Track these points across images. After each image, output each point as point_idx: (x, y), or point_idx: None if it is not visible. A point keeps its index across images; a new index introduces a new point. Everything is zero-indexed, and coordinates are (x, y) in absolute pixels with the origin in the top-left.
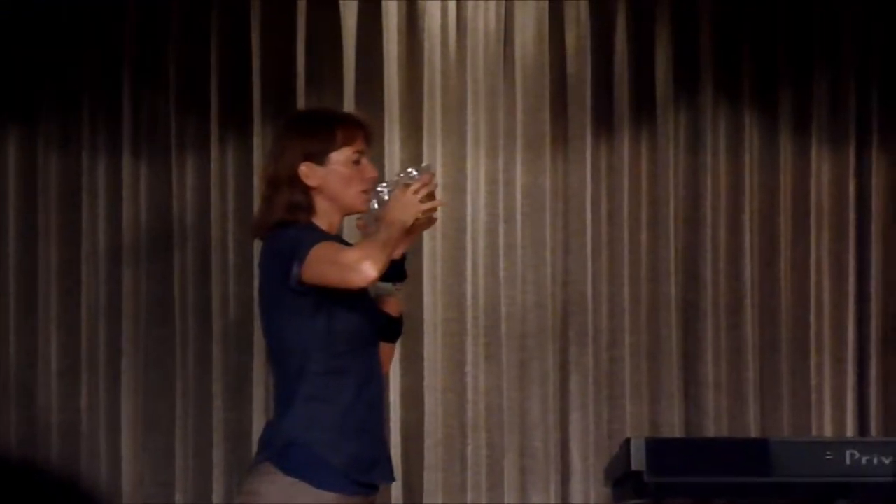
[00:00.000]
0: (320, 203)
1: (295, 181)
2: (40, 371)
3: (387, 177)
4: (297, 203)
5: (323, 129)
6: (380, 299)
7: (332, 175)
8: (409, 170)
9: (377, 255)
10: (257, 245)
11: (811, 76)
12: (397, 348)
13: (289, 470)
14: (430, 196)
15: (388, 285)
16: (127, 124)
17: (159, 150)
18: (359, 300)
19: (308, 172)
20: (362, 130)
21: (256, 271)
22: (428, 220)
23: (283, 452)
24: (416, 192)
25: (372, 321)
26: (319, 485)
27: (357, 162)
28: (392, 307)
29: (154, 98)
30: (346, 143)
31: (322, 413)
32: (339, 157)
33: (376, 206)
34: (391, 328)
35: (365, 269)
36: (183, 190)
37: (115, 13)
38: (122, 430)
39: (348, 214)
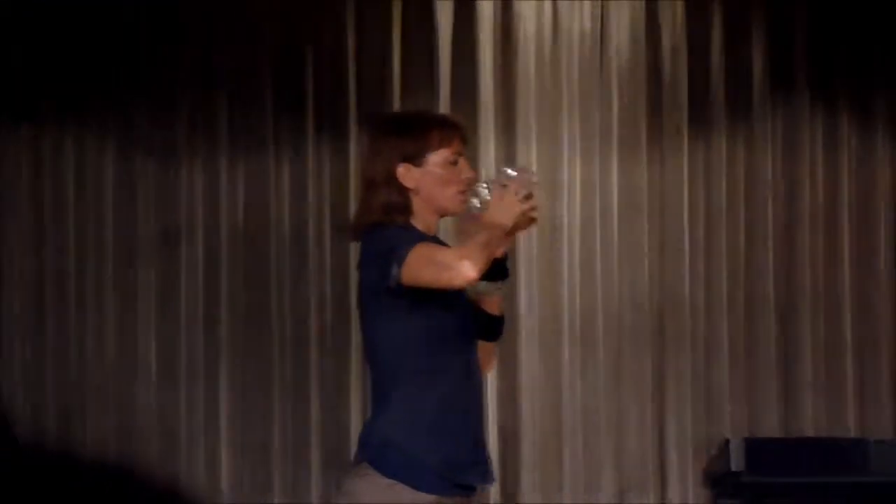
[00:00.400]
0: (417, 204)
1: (392, 182)
2: (139, 375)
3: (482, 178)
4: (394, 204)
5: (420, 130)
6: (480, 298)
7: (429, 176)
8: (507, 169)
9: (476, 256)
10: (354, 246)
11: None
12: None
13: (386, 471)
14: (529, 196)
15: (488, 284)
16: (224, 128)
17: (256, 153)
18: (455, 301)
19: (405, 174)
20: (458, 132)
21: (355, 273)
22: (528, 220)
23: (380, 453)
24: (515, 192)
25: (468, 322)
26: (417, 486)
27: (454, 163)
28: (492, 306)
29: (250, 103)
30: (443, 145)
31: (418, 413)
32: (437, 159)
33: (478, 204)
34: (492, 327)
35: (464, 268)
36: (280, 193)
37: (211, 19)
38: (221, 432)
39: (444, 216)
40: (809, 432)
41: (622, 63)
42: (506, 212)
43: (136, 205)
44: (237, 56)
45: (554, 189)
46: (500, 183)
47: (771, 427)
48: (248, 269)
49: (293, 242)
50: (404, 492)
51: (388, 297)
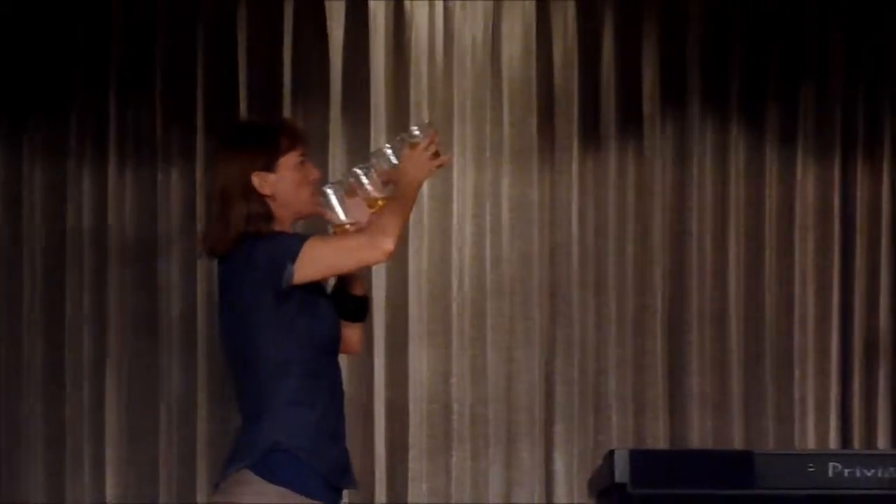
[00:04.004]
0: (276, 210)
1: (250, 192)
2: (24, 381)
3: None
4: (256, 213)
5: (269, 137)
6: (350, 281)
7: (283, 181)
8: (413, 129)
9: (388, 225)
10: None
11: (797, 90)
12: (381, 359)
13: (275, 478)
14: (437, 153)
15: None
16: (113, 134)
17: (145, 160)
18: (327, 305)
19: (261, 182)
20: (301, 134)
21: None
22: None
23: (265, 460)
24: (425, 148)
25: (338, 326)
26: (306, 493)
27: (302, 165)
28: (357, 288)
29: (140, 108)
30: (291, 148)
31: (303, 418)
32: (288, 162)
33: (333, 195)
34: (358, 308)
35: (380, 242)
36: (168, 200)
37: (102, 24)
38: (107, 440)
39: (299, 219)
40: (695, 444)
41: (513, 73)
42: (420, 168)
43: (22, 208)
44: (127, 63)
45: (445, 199)
46: (408, 143)
47: (657, 438)
48: (134, 276)
49: (180, 250)
50: (294, 499)
51: (275, 301)
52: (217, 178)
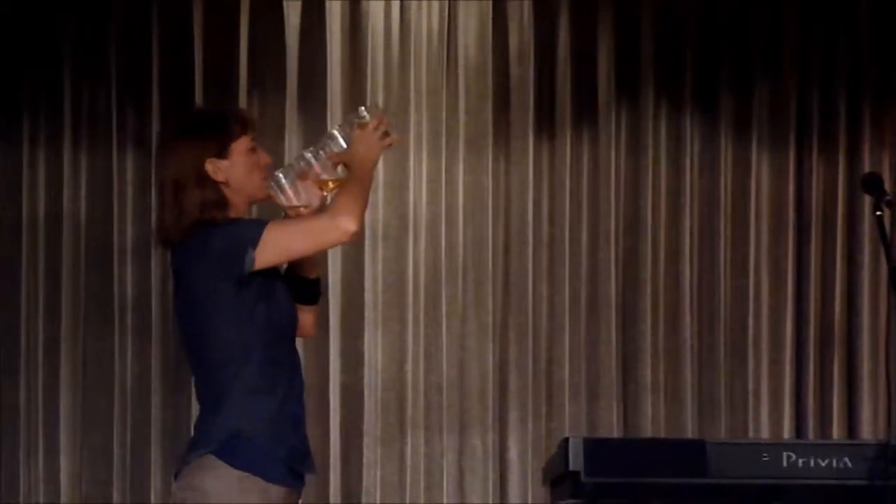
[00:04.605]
0: (230, 196)
1: (204, 179)
2: None
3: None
4: (211, 200)
5: (219, 124)
6: (303, 263)
7: (236, 167)
8: (361, 109)
9: (350, 206)
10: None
11: (752, 80)
12: (337, 345)
13: (237, 463)
14: (387, 133)
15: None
16: (68, 118)
17: (100, 145)
18: (283, 290)
19: (214, 168)
20: (250, 120)
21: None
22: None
23: (227, 446)
24: (375, 128)
25: (294, 312)
26: (268, 478)
27: (253, 150)
28: (309, 270)
29: (95, 93)
30: (242, 134)
31: (264, 405)
32: (240, 148)
33: (284, 179)
34: (311, 290)
35: (343, 223)
36: (123, 185)
37: (57, 7)
38: (60, 427)
39: (252, 203)
40: (648, 432)
41: (469, 63)
42: (371, 148)
43: None
44: (82, 47)
45: (401, 186)
46: (358, 124)
47: (610, 427)
48: (89, 263)
49: (135, 236)
50: (256, 484)
51: (235, 288)
52: (169, 166)
